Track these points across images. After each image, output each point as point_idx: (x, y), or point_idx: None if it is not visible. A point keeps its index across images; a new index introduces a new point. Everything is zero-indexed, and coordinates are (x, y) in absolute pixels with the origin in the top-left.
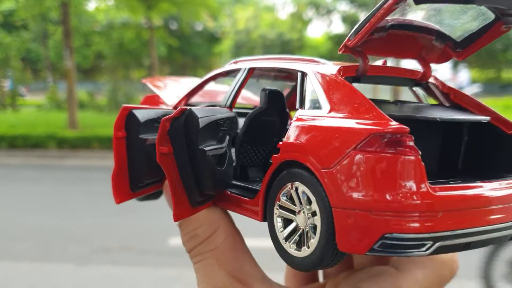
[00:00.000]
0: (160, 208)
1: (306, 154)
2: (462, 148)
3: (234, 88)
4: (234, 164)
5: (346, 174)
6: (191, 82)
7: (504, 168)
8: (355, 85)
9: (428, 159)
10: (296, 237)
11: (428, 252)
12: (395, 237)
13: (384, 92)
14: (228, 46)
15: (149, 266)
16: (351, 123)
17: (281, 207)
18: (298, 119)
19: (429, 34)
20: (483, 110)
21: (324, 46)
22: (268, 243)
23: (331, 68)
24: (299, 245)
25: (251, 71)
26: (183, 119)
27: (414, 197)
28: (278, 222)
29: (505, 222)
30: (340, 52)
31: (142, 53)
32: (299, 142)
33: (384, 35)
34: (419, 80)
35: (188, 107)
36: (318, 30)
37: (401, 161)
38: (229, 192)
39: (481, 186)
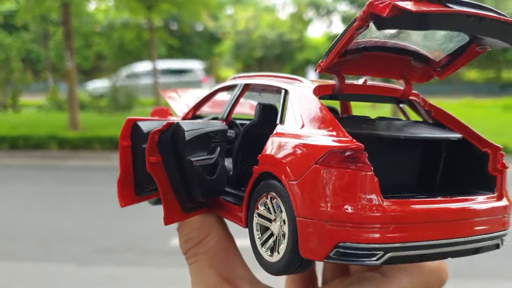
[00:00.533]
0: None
1: (278, 166)
2: (440, 164)
3: (230, 103)
4: (231, 173)
5: (308, 187)
6: (202, 93)
7: (479, 185)
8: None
9: (404, 174)
10: (270, 243)
11: (379, 262)
12: (348, 246)
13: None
14: (228, 47)
15: (151, 266)
16: (316, 140)
17: (259, 215)
18: (276, 134)
19: (406, 55)
20: (460, 127)
21: (324, 46)
22: None
23: (308, 87)
24: (272, 251)
25: (246, 87)
26: (170, 132)
27: (366, 209)
28: (257, 229)
29: (465, 237)
30: (316, 72)
31: (142, 54)
32: (273, 155)
33: (358, 56)
34: (400, 98)
35: (176, 121)
36: (318, 31)
37: (354, 176)
38: (222, 199)
39: (438, 202)
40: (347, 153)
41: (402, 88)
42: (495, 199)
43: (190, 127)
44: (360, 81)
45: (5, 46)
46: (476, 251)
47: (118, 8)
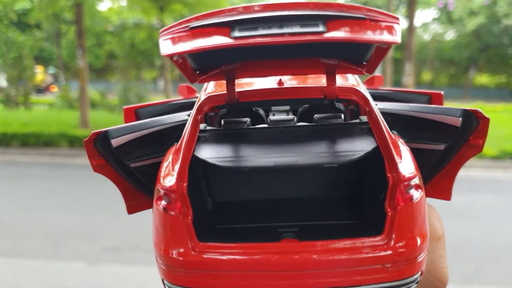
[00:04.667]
0: None
1: None
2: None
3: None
4: None
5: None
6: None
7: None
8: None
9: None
10: None
11: None
12: (166, 284)
13: None
14: None
15: (156, 266)
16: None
17: None
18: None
19: (308, 55)
20: (383, 139)
21: None
22: None
23: (200, 100)
24: None
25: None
26: (99, 141)
27: (174, 253)
28: None
29: None
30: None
31: (153, 54)
32: None
33: (236, 66)
34: (327, 97)
35: (105, 129)
36: None
37: (164, 216)
38: None
39: (259, 247)
40: (163, 192)
41: (324, 86)
42: (375, 244)
43: (119, 133)
44: (274, 83)
45: (18, 44)
46: None
47: (131, 8)
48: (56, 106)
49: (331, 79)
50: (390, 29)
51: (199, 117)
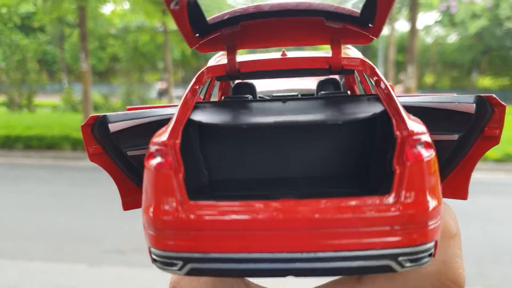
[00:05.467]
0: None
1: None
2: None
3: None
4: None
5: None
6: None
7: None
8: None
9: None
10: None
11: (182, 271)
12: (153, 252)
13: None
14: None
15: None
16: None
17: None
18: None
19: (313, 15)
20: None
21: None
22: None
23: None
24: None
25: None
26: (97, 125)
27: (162, 212)
28: None
29: (310, 252)
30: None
31: (156, 57)
32: None
33: (237, 29)
34: (332, 68)
35: (103, 114)
36: None
37: (154, 174)
38: None
39: (274, 203)
40: (151, 150)
41: (329, 56)
42: (382, 203)
43: (119, 119)
44: (278, 54)
45: (22, 47)
46: (342, 271)
47: (133, 11)
48: (60, 109)
49: (336, 47)
50: None
51: (197, 87)
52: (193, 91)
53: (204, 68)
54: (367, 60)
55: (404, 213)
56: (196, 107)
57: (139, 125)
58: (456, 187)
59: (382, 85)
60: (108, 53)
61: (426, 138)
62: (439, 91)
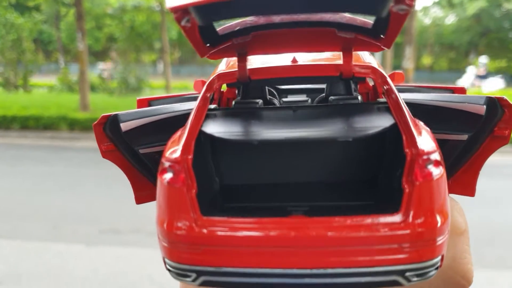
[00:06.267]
0: None
1: None
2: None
3: None
4: None
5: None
6: None
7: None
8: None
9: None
10: None
11: (196, 283)
12: (167, 263)
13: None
14: None
15: (158, 247)
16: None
17: None
18: None
19: (326, 27)
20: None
21: None
22: None
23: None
24: None
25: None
26: (108, 124)
27: (176, 227)
28: None
29: (319, 268)
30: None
31: (153, 37)
32: None
33: (248, 38)
34: (342, 76)
35: (115, 113)
36: None
37: (168, 189)
38: None
39: (283, 222)
40: (165, 165)
41: (340, 63)
42: (392, 222)
43: (130, 117)
44: (289, 60)
45: (17, 26)
46: (350, 287)
47: None
48: (56, 89)
49: (347, 55)
50: None
51: (209, 95)
52: (204, 99)
53: (214, 75)
54: (378, 68)
55: (413, 232)
56: (208, 115)
57: (150, 123)
58: (464, 184)
59: (393, 95)
60: (104, 33)
61: (436, 156)
62: (437, 73)
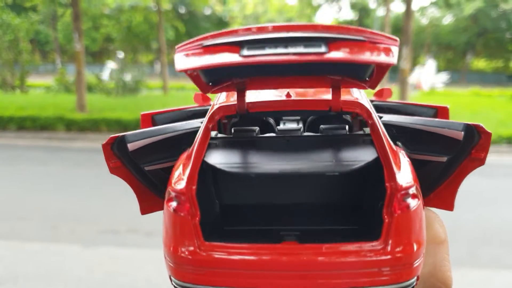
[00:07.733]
0: None
1: None
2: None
3: None
4: None
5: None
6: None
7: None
8: None
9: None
10: None
11: None
12: (173, 281)
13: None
14: None
15: (156, 248)
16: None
17: None
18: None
19: (316, 73)
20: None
21: None
22: None
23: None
24: None
25: None
26: (116, 145)
27: (181, 251)
28: None
29: None
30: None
31: (150, 37)
32: None
33: (246, 80)
34: (331, 110)
35: (122, 134)
36: (327, 16)
37: (174, 217)
38: None
39: (273, 248)
40: (173, 194)
41: (329, 99)
42: (373, 249)
43: (136, 138)
44: (283, 94)
45: (14, 27)
46: None
47: None
48: (53, 90)
49: (336, 93)
50: (387, 51)
51: (210, 125)
52: (207, 130)
53: (215, 108)
54: (364, 104)
55: (392, 257)
56: (210, 145)
57: (155, 142)
58: (444, 199)
59: (376, 129)
60: (101, 33)
61: (413, 190)
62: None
